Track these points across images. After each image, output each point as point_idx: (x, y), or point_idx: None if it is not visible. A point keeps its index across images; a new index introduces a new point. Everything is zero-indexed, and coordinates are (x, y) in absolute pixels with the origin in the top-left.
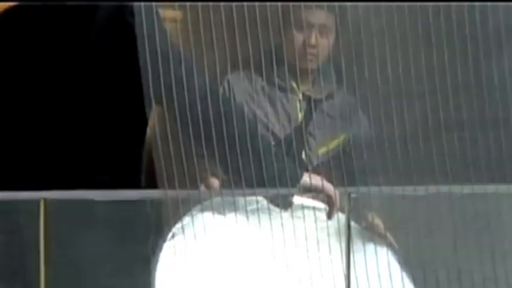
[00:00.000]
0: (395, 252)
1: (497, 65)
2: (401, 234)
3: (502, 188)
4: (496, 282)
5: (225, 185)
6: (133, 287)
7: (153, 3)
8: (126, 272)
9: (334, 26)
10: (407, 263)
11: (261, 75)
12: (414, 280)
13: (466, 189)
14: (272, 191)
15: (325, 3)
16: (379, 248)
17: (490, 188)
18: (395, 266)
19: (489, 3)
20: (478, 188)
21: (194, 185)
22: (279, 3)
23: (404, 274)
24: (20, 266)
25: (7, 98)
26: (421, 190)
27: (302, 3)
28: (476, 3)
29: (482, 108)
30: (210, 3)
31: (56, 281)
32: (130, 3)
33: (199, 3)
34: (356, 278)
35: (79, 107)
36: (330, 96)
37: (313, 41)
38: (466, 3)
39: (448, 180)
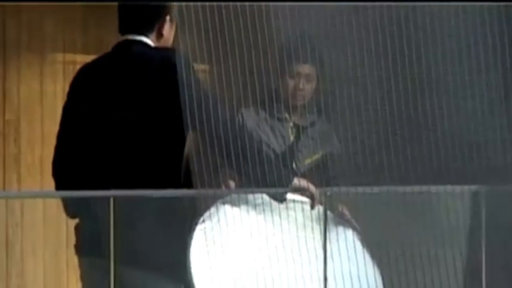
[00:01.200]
0: (358, 232)
1: (429, 98)
2: (362, 220)
3: (433, 188)
4: (428, 254)
5: (239, 185)
6: (175, 258)
7: (190, 60)
8: (171, 246)
9: (316, 75)
10: (367, 241)
11: (265, 110)
12: (371, 253)
13: (407, 189)
14: (272, 190)
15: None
16: (346, 230)
17: (424, 188)
18: (358, 243)
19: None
20: (416, 188)
21: (218, 186)
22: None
23: (364, 249)
24: (98, 244)
25: (92, 128)
26: (376, 189)
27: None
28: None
29: (419, 134)
30: (230, 62)
31: (121, 255)
32: (173, 61)
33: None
34: (331, 250)
35: (140, 133)
36: (312, 124)
37: (301, 86)
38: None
39: (395, 182)
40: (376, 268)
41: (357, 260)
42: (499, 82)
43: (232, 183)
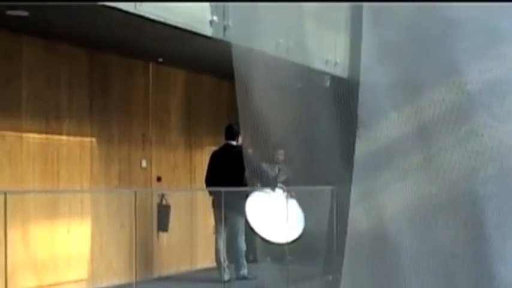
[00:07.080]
0: (297, 200)
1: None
2: (302, 199)
3: (333, 187)
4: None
5: (261, 186)
6: (242, 207)
7: (247, 149)
8: (240, 203)
9: (284, 154)
10: (304, 208)
11: (269, 163)
12: (301, 207)
13: (335, 188)
14: (271, 187)
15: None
16: (292, 199)
17: (326, 188)
18: (296, 204)
19: None
20: (326, 188)
21: (253, 186)
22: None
23: (299, 205)
24: (219, 204)
25: (216, 169)
26: (309, 187)
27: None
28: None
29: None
30: (258, 148)
31: (226, 207)
32: (241, 150)
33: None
34: (290, 208)
35: (232, 171)
36: (283, 168)
37: (279, 157)
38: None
39: (319, 183)
40: (301, 212)
41: (295, 208)
42: (340, 136)
43: (258, 185)
